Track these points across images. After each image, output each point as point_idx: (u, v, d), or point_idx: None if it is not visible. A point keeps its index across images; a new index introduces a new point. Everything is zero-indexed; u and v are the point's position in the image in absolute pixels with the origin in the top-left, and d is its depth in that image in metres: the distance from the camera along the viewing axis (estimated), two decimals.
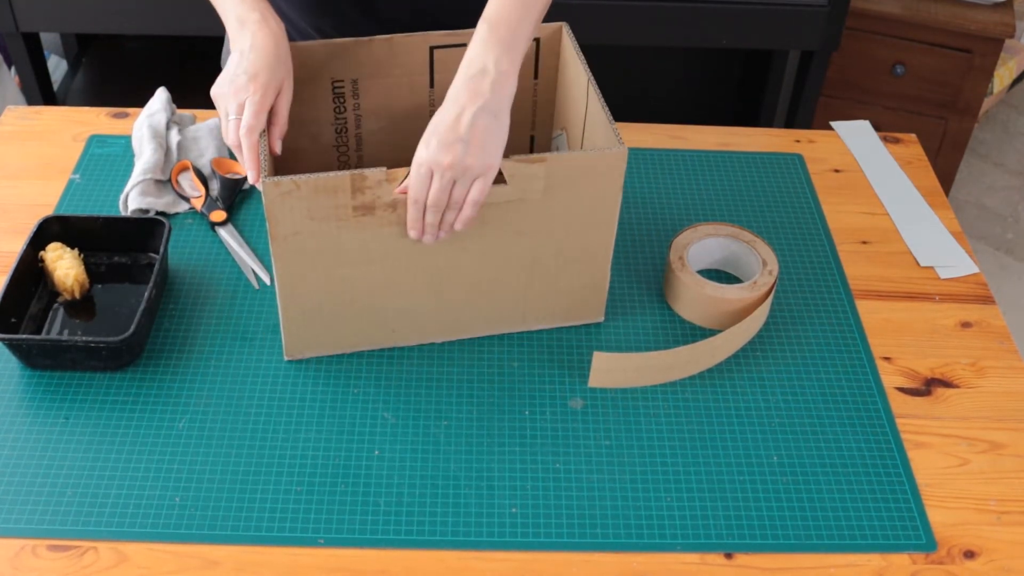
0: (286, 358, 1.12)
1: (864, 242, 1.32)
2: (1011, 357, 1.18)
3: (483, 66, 1.00)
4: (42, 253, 1.18)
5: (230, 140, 1.04)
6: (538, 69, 1.21)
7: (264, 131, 1.04)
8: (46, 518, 0.97)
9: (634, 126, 1.48)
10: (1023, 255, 2.60)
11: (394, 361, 1.13)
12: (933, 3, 2.30)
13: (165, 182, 1.33)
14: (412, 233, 1.02)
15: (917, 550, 0.98)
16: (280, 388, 1.10)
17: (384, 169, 0.98)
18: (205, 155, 1.37)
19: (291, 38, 1.33)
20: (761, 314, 1.16)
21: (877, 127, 1.55)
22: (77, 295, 1.17)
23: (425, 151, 0.98)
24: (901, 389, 1.13)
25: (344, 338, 1.12)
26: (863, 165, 1.45)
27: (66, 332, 1.14)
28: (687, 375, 1.13)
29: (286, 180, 0.96)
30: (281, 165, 1.08)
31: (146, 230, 1.22)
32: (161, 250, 1.17)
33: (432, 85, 1.19)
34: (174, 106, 1.42)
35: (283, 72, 1.06)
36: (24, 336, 1.11)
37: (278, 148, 1.06)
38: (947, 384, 1.14)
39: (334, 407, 1.08)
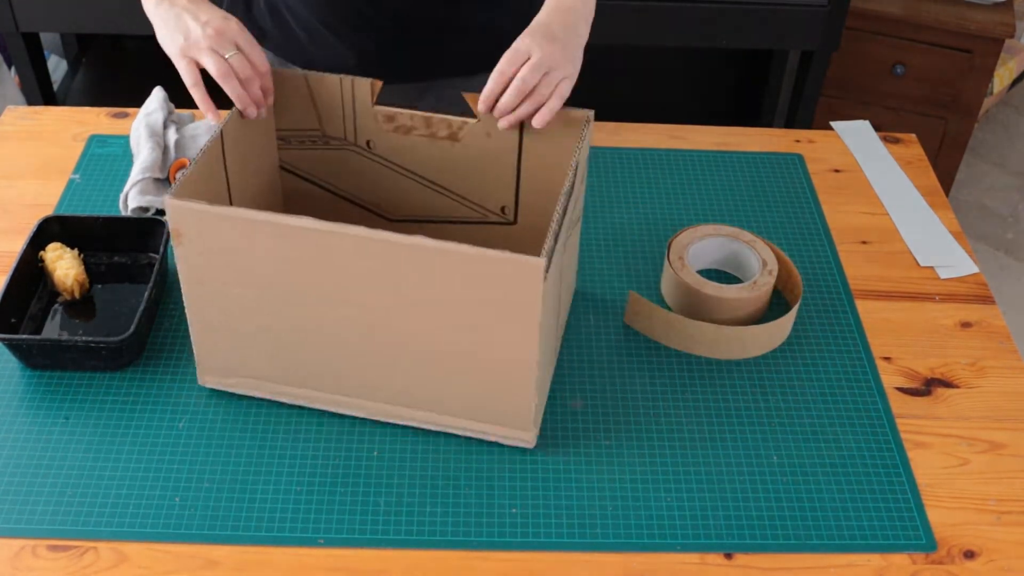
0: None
1: (864, 242, 1.32)
2: (1011, 357, 1.18)
3: (572, 5, 1.10)
4: (42, 253, 1.18)
5: (245, 75, 1.06)
6: None
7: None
8: (46, 518, 0.97)
9: (634, 126, 1.49)
10: (1023, 255, 2.60)
11: None
12: (933, 3, 2.30)
13: (164, 180, 1.33)
14: (482, 106, 1.06)
15: (917, 550, 0.98)
16: None
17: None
18: None
19: (297, 36, 1.33)
20: (786, 323, 1.15)
21: (877, 127, 1.55)
22: (77, 295, 1.17)
23: (526, 40, 1.05)
24: (901, 389, 1.13)
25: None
26: (863, 165, 1.45)
27: (66, 332, 1.14)
28: (706, 355, 1.14)
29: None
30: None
31: (146, 230, 1.22)
32: (161, 250, 1.17)
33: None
34: (171, 105, 1.42)
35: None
36: (24, 336, 1.11)
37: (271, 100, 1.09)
38: (947, 384, 1.14)
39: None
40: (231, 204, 1.06)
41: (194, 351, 1.05)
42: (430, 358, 0.99)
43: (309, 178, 1.17)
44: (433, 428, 1.05)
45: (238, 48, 1.06)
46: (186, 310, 1.02)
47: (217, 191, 1.04)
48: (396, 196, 1.17)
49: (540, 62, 1.04)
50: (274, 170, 1.16)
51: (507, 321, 0.95)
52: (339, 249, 0.94)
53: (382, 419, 1.05)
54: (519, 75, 1.04)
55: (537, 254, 0.95)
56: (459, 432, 1.04)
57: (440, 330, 0.97)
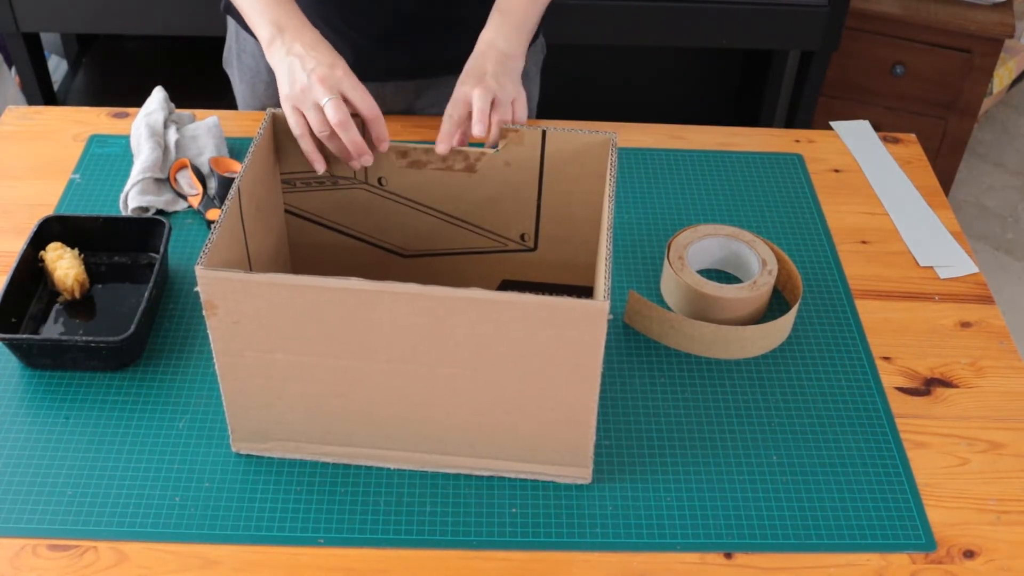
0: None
1: (864, 242, 1.32)
2: (1011, 357, 1.18)
3: (494, 43, 1.14)
4: (42, 253, 1.18)
5: (335, 120, 1.03)
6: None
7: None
8: (46, 518, 0.97)
9: (634, 126, 1.49)
10: (1023, 255, 2.60)
11: None
12: (933, 3, 2.30)
13: (164, 180, 1.33)
14: (442, 147, 1.06)
15: (917, 550, 0.98)
16: None
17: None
18: (204, 153, 1.37)
19: None
20: (786, 322, 1.15)
21: (877, 127, 1.55)
22: (77, 295, 1.17)
23: (459, 89, 1.10)
24: (901, 389, 1.13)
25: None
26: (863, 165, 1.45)
27: (66, 332, 1.14)
28: (706, 355, 1.14)
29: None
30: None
31: (146, 230, 1.22)
32: (161, 250, 1.17)
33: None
34: (172, 105, 1.42)
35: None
36: (24, 336, 1.12)
37: (385, 146, 1.07)
38: (947, 384, 1.14)
39: None
40: (249, 260, 1.03)
41: (227, 419, 1.01)
42: (485, 406, 0.96)
43: (315, 219, 1.14)
44: (486, 474, 1.02)
45: (341, 94, 1.05)
46: (219, 380, 0.97)
47: (239, 252, 1.00)
48: (410, 231, 1.15)
49: (483, 98, 1.08)
50: (280, 215, 1.13)
51: (568, 364, 0.92)
52: (389, 307, 0.90)
53: (432, 470, 1.02)
54: (475, 107, 1.07)
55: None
56: (512, 475, 1.02)
57: (496, 378, 0.94)
